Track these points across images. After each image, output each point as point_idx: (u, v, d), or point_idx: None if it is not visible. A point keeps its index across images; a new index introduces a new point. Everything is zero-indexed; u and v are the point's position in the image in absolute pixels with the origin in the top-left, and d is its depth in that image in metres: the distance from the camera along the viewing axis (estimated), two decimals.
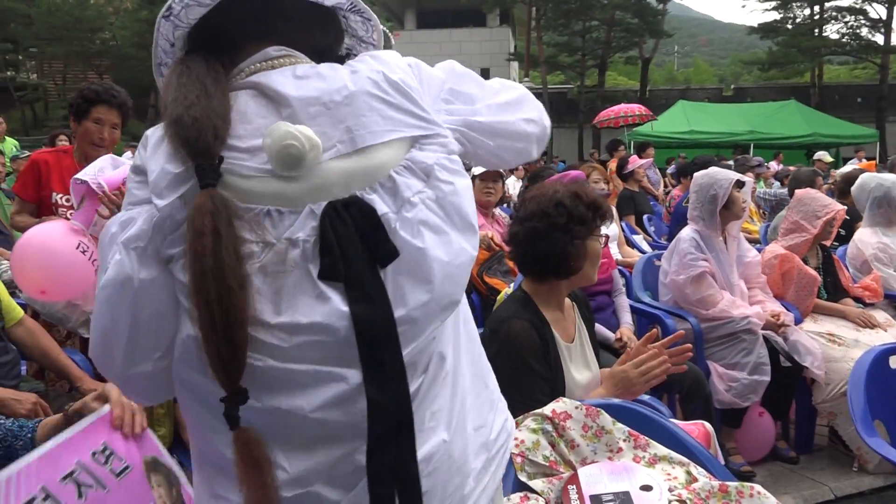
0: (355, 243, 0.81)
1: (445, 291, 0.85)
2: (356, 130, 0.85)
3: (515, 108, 1.03)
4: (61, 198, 2.75)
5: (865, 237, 3.74)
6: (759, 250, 3.54)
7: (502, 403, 1.03)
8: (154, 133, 0.86)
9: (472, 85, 1.00)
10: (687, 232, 3.20)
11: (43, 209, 2.80)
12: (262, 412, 0.80)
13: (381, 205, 0.83)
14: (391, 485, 0.81)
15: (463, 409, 0.92)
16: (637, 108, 13.77)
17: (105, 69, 25.54)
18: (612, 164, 7.45)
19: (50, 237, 2.38)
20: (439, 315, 0.86)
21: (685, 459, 1.51)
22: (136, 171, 0.87)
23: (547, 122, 1.09)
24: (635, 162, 6.56)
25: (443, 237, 0.85)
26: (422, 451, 0.84)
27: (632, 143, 12.58)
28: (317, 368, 0.80)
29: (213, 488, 0.87)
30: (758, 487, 1.37)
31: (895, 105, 22.00)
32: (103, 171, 2.37)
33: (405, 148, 0.87)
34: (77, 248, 2.35)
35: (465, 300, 0.95)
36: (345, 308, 0.80)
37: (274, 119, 0.84)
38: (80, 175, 2.37)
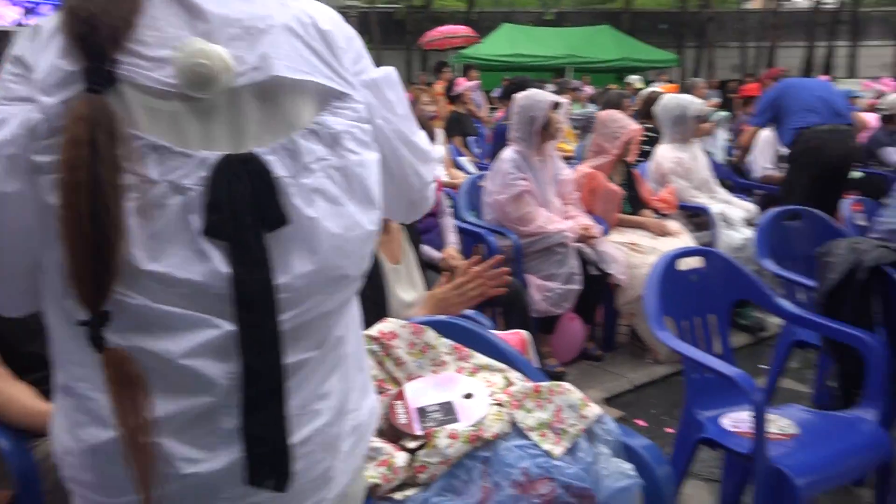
0: (246, 203, 0.76)
1: (334, 264, 0.81)
2: (273, 58, 0.78)
3: (420, 156, 0.98)
4: None
5: (665, 153, 4.12)
6: (573, 168, 3.78)
7: (371, 385, 1.01)
8: (48, 23, 0.74)
9: (398, 98, 0.93)
10: (508, 153, 3.31)
11: None
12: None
13: (279, 168, 0.78)
14: (268, 449, 0.79)
15: (348, 394, 0.90)
16: (462, 30, 13.87)
17: None
18: (438, 87, 7.50)
19: None
20: (325, 287, 0.82)
21: (503, 366, 1.60)
22: (15, 63, 0.75)
23: (431, 201, 1.07)
24: (462, 84, 6.64)
25: (338, 208, 0.81)
26: (302, 433, 0.81)
27: (457, 65, 12.68)
28: (190, 313, 0.75)
29: (73, 420, 0.81)
30: (566, 385, 1.49)
31: (692, 32, 23.93)
32: None
33: (315, 108, 0.82)
34: None
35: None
36: (225, 270, 0.75)
37: (187, 32, 0.75)
38: None
